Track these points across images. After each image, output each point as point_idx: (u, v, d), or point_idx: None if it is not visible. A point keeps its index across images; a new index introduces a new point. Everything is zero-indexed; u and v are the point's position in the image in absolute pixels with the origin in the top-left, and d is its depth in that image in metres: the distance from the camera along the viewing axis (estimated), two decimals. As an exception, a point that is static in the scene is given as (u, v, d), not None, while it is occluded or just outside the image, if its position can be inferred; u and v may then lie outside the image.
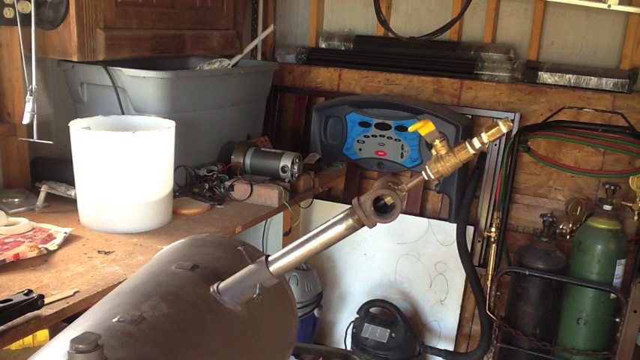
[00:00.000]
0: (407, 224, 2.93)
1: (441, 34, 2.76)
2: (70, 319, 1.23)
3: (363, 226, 0.81)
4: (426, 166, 0.87)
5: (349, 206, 0.82)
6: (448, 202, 2.85)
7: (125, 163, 1.83)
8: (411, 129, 0.93)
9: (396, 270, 3.01)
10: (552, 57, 2.83)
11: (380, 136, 2.82)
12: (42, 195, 2.01)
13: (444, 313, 2.95)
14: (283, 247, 0.85)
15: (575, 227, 2.59)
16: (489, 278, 2.68)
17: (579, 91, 2.67)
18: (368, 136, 2.84)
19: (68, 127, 1.86)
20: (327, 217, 0.85)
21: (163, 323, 0.73)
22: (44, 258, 1.62)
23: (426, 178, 0.88)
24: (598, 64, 2.75)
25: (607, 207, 2.45)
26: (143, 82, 2.14)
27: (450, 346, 2.92)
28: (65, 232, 1.76)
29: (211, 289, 0.83)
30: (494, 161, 2.78)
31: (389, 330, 2.81)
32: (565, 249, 2.60)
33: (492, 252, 2.71)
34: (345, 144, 2.90)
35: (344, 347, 3.01)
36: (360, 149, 2.88)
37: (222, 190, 2.25)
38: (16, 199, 2.02)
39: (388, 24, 2.94)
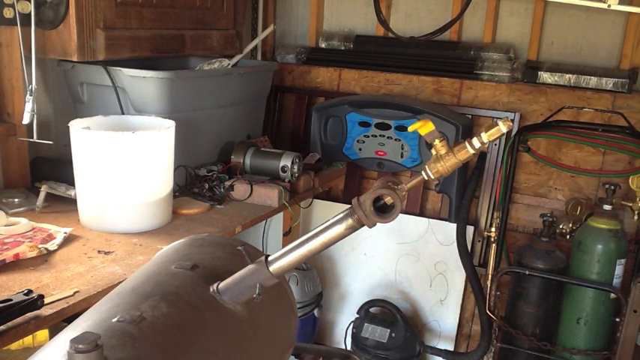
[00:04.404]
0: (407, 224, 2.93)
1: (440, 34, 2.76)
2: (70, 319, 1.23)
3: (363, 225, 0.81)
4: (426, 166, 0.87)
5: (349, 206, 0.82)
6: (448, 202, 2.85)
7: (125, 163, 1.83)
8: (410, 129, 0.93)
9: (396, 270, 3.01)
10: (552, 57, 2.83)
11: (380, 136, 2.81)
12: (42, 195, 2.00)
13: (444, 313, 2.95)
14: (283, 247, 0.85)
15: (575, 227, 2.59)
16: (489, 278, 2.68)
17: (579, 91, 2.66)
18: (368, 136, 2.84)
19: (68, 127, 1.86)
20: (327, 217, 0.84)
21: (163, 323, 0.73)
22: (44, 258, 1.62)
23: (426, 178, 0.88)
24: (598, 64, 2.75)
25: (607, 207, 2.45)
26: (143, 82, 2.14)
27: (450, 346, 2.92)
28: (65, 232, 1.76)
29: (211, 289, 0.83)
30: (494, 161, 2.78)
31: (389, 330, 2.81)
32: (565, 249, 2.60)
33: (492, 252, 2.70)
34: (345, 144, 2.90)
35: (344, 347, 3.01)
36: (360, 149, 2.88)
37: (222, 190, 2.25)
38: (16, 199, 2.02)
39: (388, 24, 2.95)
